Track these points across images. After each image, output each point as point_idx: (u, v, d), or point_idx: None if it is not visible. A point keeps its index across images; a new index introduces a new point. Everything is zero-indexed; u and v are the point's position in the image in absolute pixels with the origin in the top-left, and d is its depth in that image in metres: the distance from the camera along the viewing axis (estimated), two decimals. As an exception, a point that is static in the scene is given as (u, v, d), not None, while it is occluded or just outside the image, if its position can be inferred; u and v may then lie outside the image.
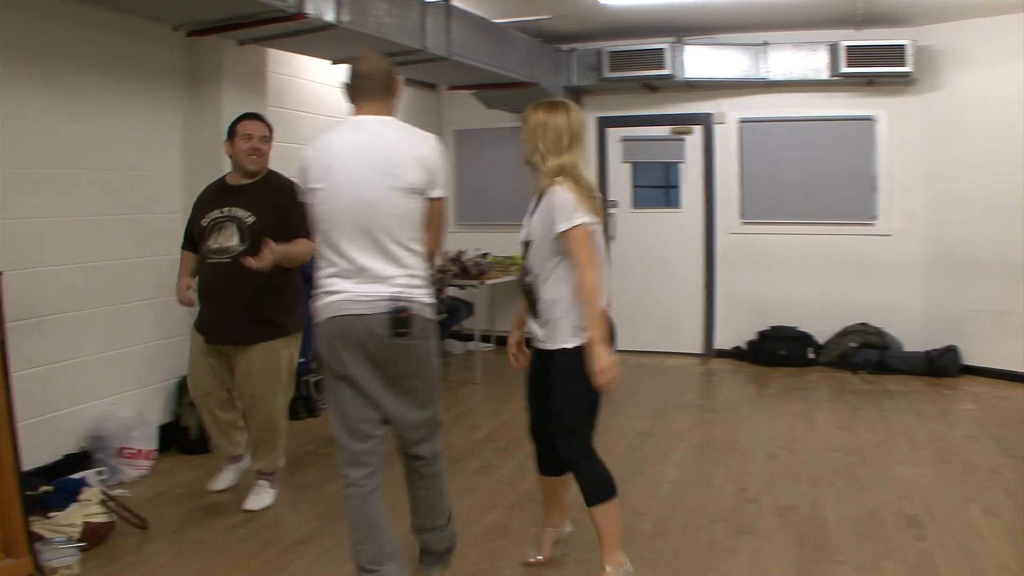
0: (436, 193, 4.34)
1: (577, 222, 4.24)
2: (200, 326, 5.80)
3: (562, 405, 4.51)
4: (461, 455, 6.98)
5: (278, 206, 5.67)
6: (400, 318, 4.10)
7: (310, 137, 8.50)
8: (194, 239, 5.82)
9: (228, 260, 5.56)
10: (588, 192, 4.37)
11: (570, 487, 4.68)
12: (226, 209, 5.65)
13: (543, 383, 4.62)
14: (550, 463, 4.80)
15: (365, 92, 4.32)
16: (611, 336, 4.48)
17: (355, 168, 4.12)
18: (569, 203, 4.27)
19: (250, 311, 5.65)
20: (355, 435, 4.39)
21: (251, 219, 5.61)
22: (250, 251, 5.45)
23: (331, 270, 4.18)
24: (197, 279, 5.77)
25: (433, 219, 4.36)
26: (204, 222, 5.68)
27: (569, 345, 4.40)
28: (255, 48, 7.29)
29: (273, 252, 5.27)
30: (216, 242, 5.62)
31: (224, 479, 6.08)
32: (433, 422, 4.61)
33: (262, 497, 5.91)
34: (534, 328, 4.59)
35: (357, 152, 4.17)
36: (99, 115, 6.34)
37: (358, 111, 4.34)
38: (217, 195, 5.80)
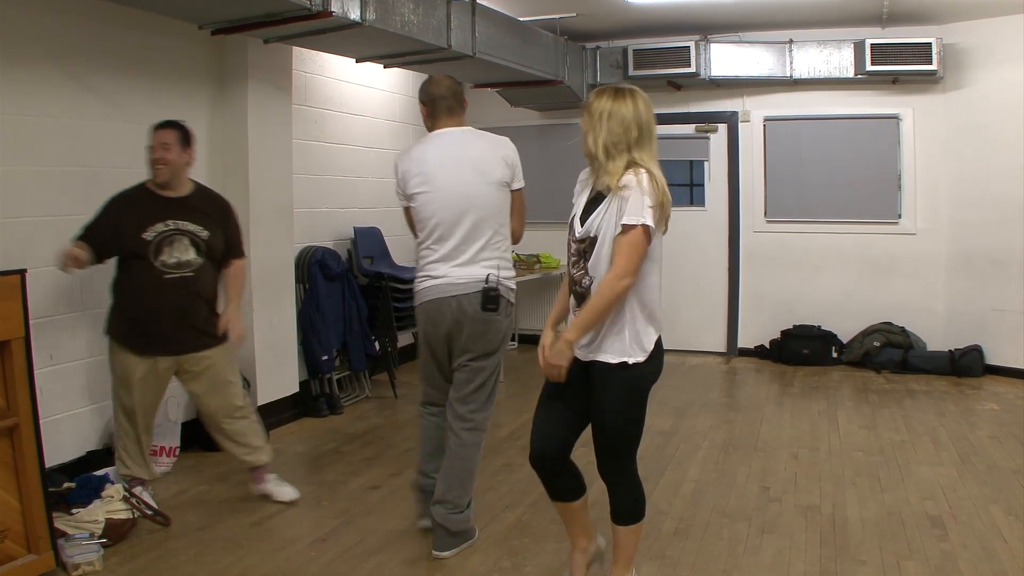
0: (517, 185, 5.24)
1: (643, 222, 3.87)
2: (139, 344, 5.51)
3: (621, 426, 4.14)
4: (483, 453, 6.92)
5: (222, 226, 5.72)
6: (490, 296, 4.94)
7: (335, 135, 8.66)
8: (107, 247, 5.47)
9: (191, 274, 5.51)
10: (664, 195, 4.00)
11: (588, 505, 4.49)
12: (171, 223, 5.46)
13: (575, 399, 4.17)
14: (568, 488, 4.35)
15: (446, 109, 5.26)
16: (658, 359, 4.27)
17: (453, 171, 5.02)
18: (645, 200, 3.90)
19: (209, 318, 5.68)
20: (430, 383, 5.30)
21: (205, 234, 5.56)
22: (206, 264, 5.61)
23: (434, 257, 5.02)
24: (143, 296, 5.47)
25: (516, 207, 5.26)
26: (148, 236, 5.41)
27: (630, 360, 4.07)
28: (280, 46, 7.32)
29: (239, 317, 5.84)
30: (172, 256, 5.46)
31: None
32: (484, 391, 5.13)
33: (285, 488, 6.00)
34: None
35: (452, 158, 5.07)
36: (124, 113, 6.36)
37: (440, 125, 5.26)
38: (152, 207, 5.50)
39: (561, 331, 4.23)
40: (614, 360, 4.06)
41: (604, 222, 4.04)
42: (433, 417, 5.32)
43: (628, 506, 4.20)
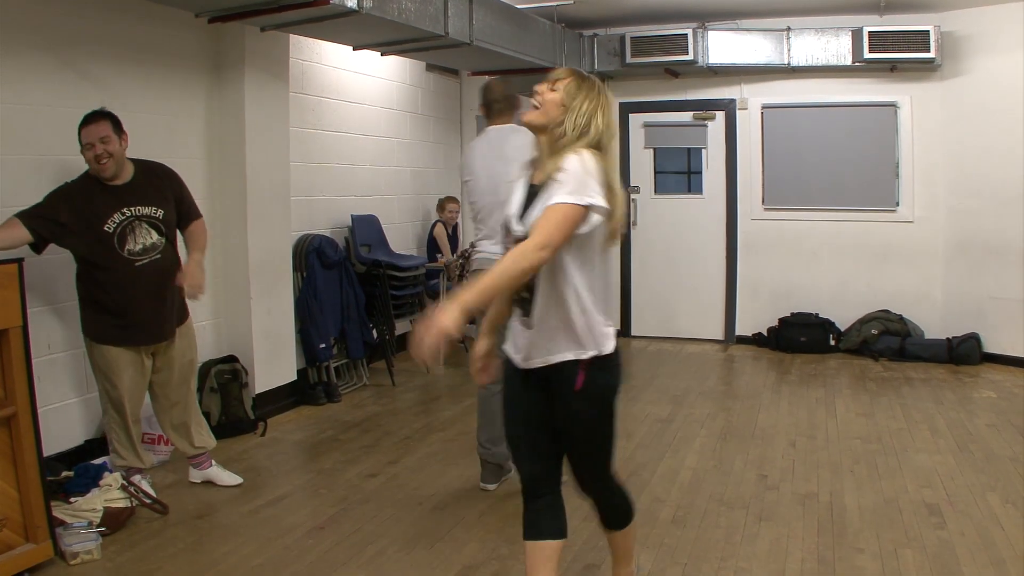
0: None
1: (588, 202, 3.28)
2: (125, 337, 5.50)
3: (599, 442, 3.89)
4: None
5: (173, 195, 5.71)
6: None
7: (332, 123, 8.66)
8: (59, 240, 5.37)
9: (159, 256, 5.52)
10: (613, 191, 3.40)
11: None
12: (127, 210, 5.43)
13: (539, 411, 3.75)
14: (557, 520, 3.94)
15: (497, 111, 5.92)
16: (618, 368, 3.70)
17: (491, 162, 5.75)
18: (589, 181, 3.30)
19: (173, 301, 5.68)
20: None
21: (160, 212, 5.54)
22: (169, 244, 5.63)
23: (480, 235, 5.96)
24: (121, 288, 5.43)
25: None
26: (108, 228, 5.37)
27: (588, 354, 3.53)
28: (277, 34, 7.31)
29: (201, 269, 5.73)
30: (138, 244, 5.45)
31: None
32: None
33: (225, 474, 6.08)
34: (518, 340, 3.70)
35: (491, 152, 5.80)
36: (121, 102, 6.33)
37: (492, 123, 5.95)
38: (105, 197, 5.41)
39: (500, 340, 3.96)
40: (572, 356, 3.52)
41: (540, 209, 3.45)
42: (492, 387, 5.53)
43: (619, 513, 4.08)
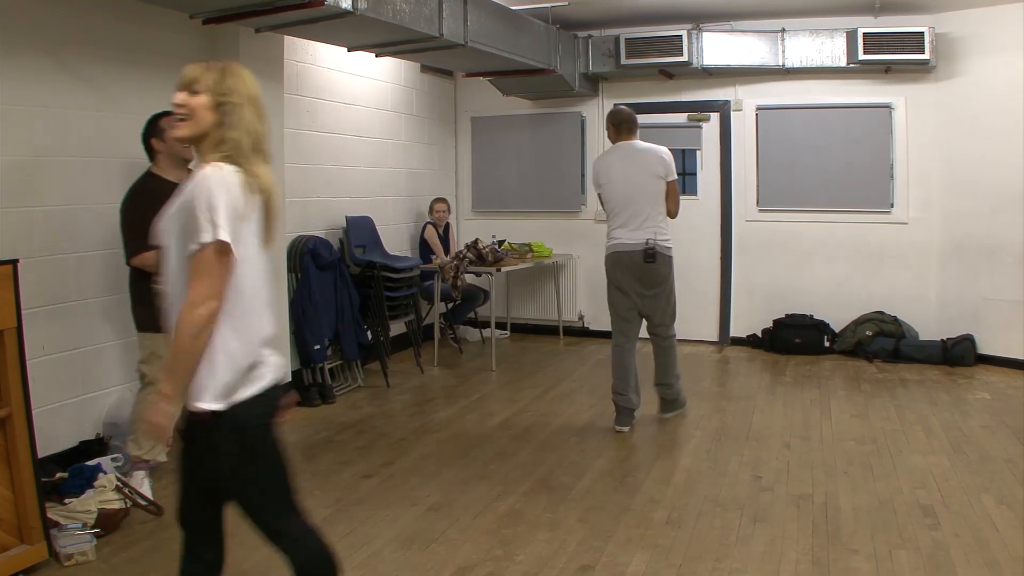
0: (671, 178, 7.35)
1: (216, 237, 2.96)
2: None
3: (252, 493, 3.40)
4: (476, 441, 6.99)
5: None
6: (649, 252, 7.20)
7: (326, 124, 8.68)
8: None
9: None
10: (251, 196, 3.12)
11: None
12: None
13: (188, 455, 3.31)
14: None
15: (626, 130, 7.50)
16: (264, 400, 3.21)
17: (623, 171, 7.36)
18: (214, 203, 2.98)
19: None
20: (621, 318, 7.44)
21: None
22: None
23: (615, 225, 7.36)
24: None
25: (671, 193, 7.36)
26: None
27: (216, 406, 3.07)
28: (272, 35, 7.30)
29: None
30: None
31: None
32: (668, 314, 7.52)
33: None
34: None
35: (623, 162, 7.39)
36: (115, 103, 6.34)
37: (620, 139, 7.50)
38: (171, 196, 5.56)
39: None
40: (204, 406, 3.05)
41: (170, 224, 3.16)
42: (624, 346, 7.43)
43: (307, 570, 3.56)
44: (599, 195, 7.56)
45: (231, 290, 3.06)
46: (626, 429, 7.30)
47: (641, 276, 7.27)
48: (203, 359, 3.02)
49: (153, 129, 5.63)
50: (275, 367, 3.26)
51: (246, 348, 3.13)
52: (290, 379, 7.97)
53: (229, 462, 3.17)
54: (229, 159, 3.11)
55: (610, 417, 7.52)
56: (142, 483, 5.64)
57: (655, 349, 7.59)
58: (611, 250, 7.38)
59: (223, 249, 2.96)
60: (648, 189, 7.27)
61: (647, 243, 7.19)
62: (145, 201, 5.30)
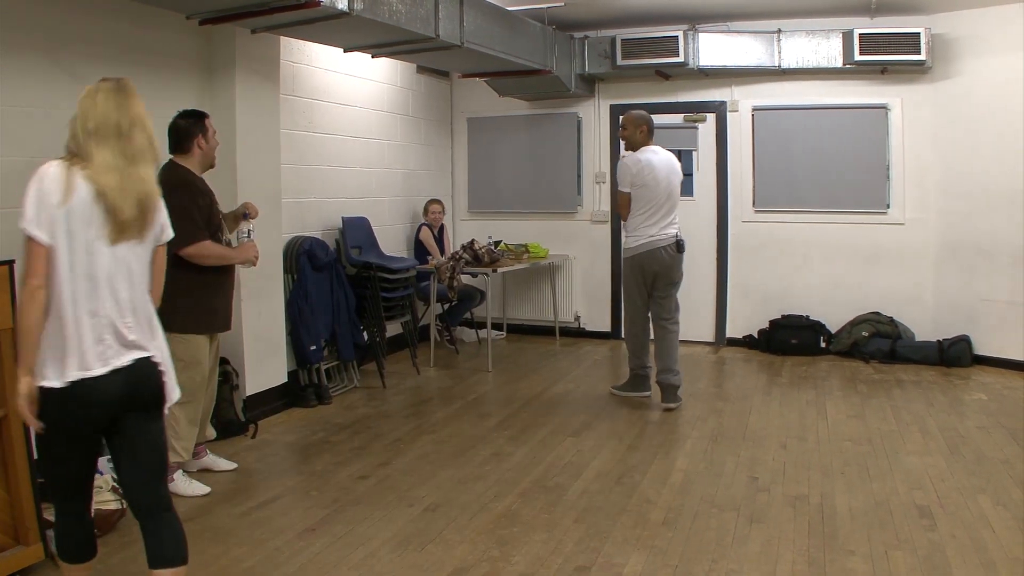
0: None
1: (27, 231, 3.36)
2: (209, 324, 5.83)
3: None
4: (472, 442, 6.98)
5: None
6: (680, 243, 7.97)
7: (323, 125, 8.69)
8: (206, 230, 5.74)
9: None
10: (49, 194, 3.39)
11: None
12: (217, 203, 5.92)
13: None
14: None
15: (652, 134, 8.07)
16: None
17: (662, 172, 7.87)
18: (27, 198, 3.40)
19: None
20: (639, 311, 8.13)
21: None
22: None
23: (648, 223, 7.84)
24: (223, 276, 5.88)
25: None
26: (219, 217, 5.88)
27: (38, 383, 3.40)
28: (268, 36, 7.30)
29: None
30: (225, 235, 5.96)
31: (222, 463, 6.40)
32: (676, 303, 8.11)
33: (221, 460, 6.39)
34: None
35: (660, 166, 7.89)
36: (112, 103, 6.34)
37: (650, 144, 8.03)
38: (208, 190, 5.88)
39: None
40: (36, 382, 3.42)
41: None
42: (645, 332, 8.21)
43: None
44: (629, 194, 7.86)
45: (50, 277, 3.38)
46: (675, 406, 7.97)
47: (672, 267, 7.94)
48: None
49: (202, 126, 5.82)
50: (87, 366, 3.40)
51: (56, 337, 3.38)
52: (286, 379, 7.98)
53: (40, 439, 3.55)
54: (70, 152, 3.48)
55: (608, 417, 7.57)
56: (190, 484, 5.90)
57: (666, 337, 8.04)
58: (644, 248, 7.87)
59: (28, 237, 3.34)
60: (677, 189, 8.01)
61: (677, 236, 7.94)
62: (192, 193, 5.67)
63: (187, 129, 5.77)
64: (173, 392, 3.65)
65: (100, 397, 3.42)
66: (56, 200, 3.33)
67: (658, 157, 7.90)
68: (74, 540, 3.70)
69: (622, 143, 8.34)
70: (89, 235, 3.39)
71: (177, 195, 5.33)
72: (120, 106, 3.58)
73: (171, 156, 5.78)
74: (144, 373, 3.52)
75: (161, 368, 3.58)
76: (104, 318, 3.42)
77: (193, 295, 5.63)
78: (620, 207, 8.03)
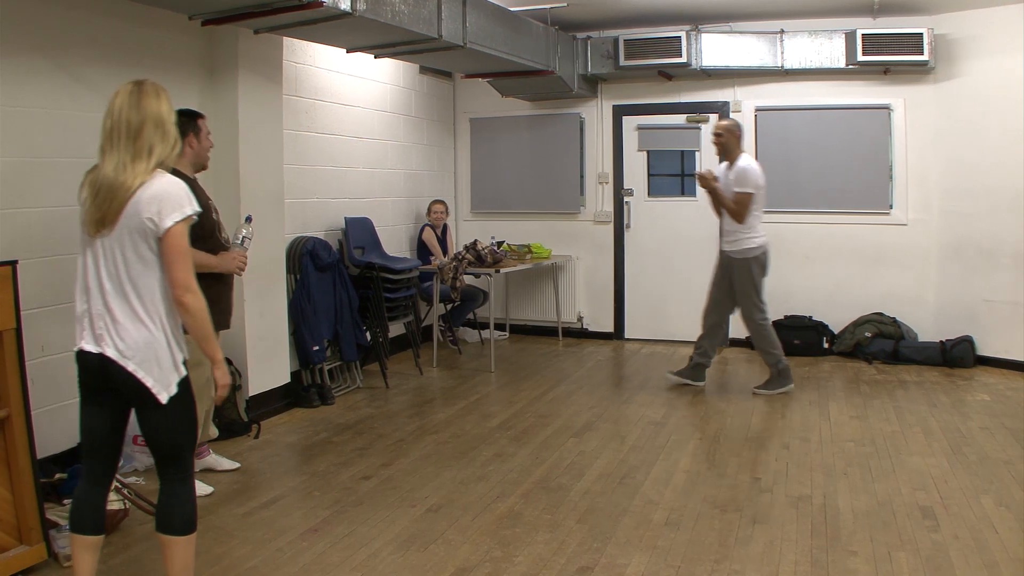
0: None
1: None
2: (219, 322, 5.74)
3: None
4: (475, 443, 6.98)
5: None
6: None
7: (326, 125, 8.70)
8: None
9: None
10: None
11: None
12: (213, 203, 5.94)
13: None
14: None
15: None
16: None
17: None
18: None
19: None
20: (763, 301, 8.57)
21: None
22: None
23: (758, 222, 8.36)
24: (220, 276, 5.85)
25: None
26: (215, 216, 5.83)
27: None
28: (271, 37, 7.31)
29: None
30: (224, 233, 5.92)
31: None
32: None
33: (224, 460, 6.51)
34: None
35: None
36: (114, 103, 6.34)
37: (743, 151, 8.44)
38: (204, 192, 5.84)
39: None
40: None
41: None
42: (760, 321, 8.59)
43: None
44: (754, 195, 8.24)
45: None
46: (791, 387, 8.61)
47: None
48: None
49: (194, 126, 5.74)
50: (83, 342, 3.82)
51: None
52: (289, 380, 7.98)
53: None
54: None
55: (610, 418, 7.58)
56: (219, 462, 6.35)
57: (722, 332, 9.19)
58: (766, 245, 8.44)
59: None
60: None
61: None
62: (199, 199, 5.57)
63: (179, 128, 5.73)
64: (160, 392, 3.72)
65: (87, 372, 3.84)
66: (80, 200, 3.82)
67: (758, 163, 8.42)
68: (85, 506, 3.88)
69: (715, 149, 8.58)
70: (83, 232, 3.81)
71: None
72: (134, 105, 3.70)
73: None
74: (109, 368, 3.72)
75: (120, 365, 3.69)
76: (85, 304, 3.80)
77: (217, 294, 5.67)
78: (742, 208, 8.27)
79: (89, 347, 3.74)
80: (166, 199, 3.65)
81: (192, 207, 3.71)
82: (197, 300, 3.74)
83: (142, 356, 3.68)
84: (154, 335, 3.70)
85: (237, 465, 6.42)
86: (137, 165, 3.65)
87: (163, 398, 3.71)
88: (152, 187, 3.65)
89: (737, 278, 8.50)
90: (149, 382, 3.68)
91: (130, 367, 3.66)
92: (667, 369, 9.21)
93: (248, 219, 6.02)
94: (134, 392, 3.71)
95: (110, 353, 3.68)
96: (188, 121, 5.67)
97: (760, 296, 8.47)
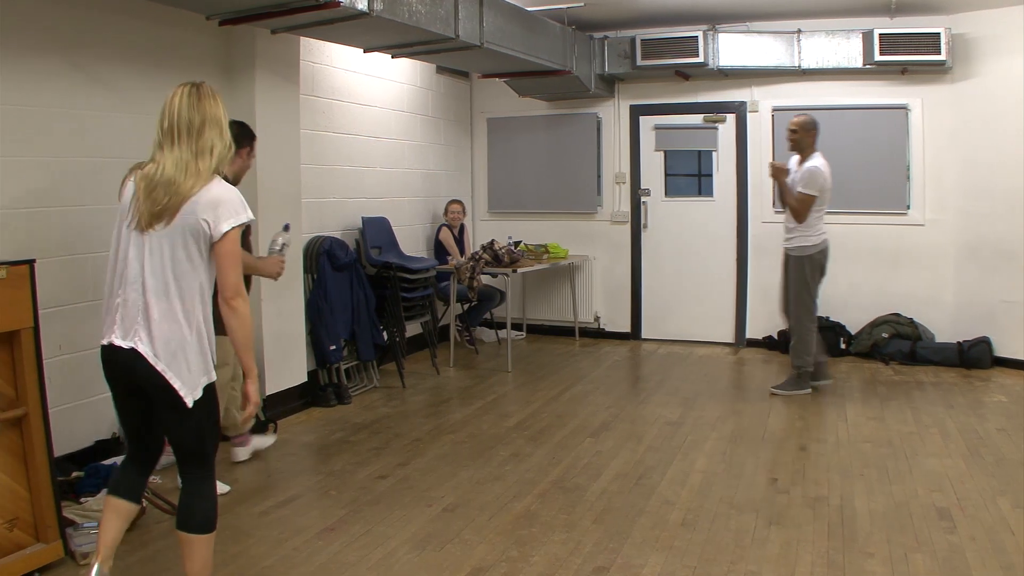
0: None
1: None
2: None
3: None
4: (491, 442, 6.99)
5: None
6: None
7: (343, 125, 8.71)
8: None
9: None
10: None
11: None
12: None
13: None
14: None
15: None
16: None
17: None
18: None
19: None
20: (812, 297, 8.50)
21: None
22: None
23: (821, 223, 8.39)
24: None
25: None
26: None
27: None
28: (288, 37, 7.32)
29: None
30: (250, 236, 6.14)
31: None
32: None
33: (266, 437, 6.91)
34: None
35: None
36: (131, 104, 6.35)
37: (816, 151, 8.35)
38: None
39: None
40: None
41: None
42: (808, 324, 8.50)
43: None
44: (816, 197, 8.20)
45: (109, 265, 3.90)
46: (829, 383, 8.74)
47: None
48: None
49: (249, 142, 5.97)
50: (112, 336, 3.79)
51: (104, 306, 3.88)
52: (306, 379, 8.00)
53: None
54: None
55: (627, 418, 7.60)
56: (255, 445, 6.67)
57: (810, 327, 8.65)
58: (823, 244, 8.41)
59: None
60: None
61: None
62: None
63: (235, 137, 5.83)
64: (187, 396, 3.74)
65: (114, 367, 3.83)
66: (120, 194, 3.92)
67: (827, 163, 8.31)
68: (124, 476, 4.11)
69: (789, 144, 8.54)
70: (121, 225, 3.84)
71: None
72: (193, 105, 3.82)
73: None
74: (137, 364, 3.72)
75: (150, 363, 3.70)
76: (121, 297, 3.77)
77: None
78: (803, 208, 8.25)
79: (119, 342, 3.73)
80: (224, 204, 3.73)
81: (247, 214, 3.80)
82: (246, 305, 3.83)
83: (172, 356, 3.70)
84: (187, 337, 3.73)
85: (272, 440, 6.89)
86: (200, 163, 3.76)
87: (188, 401, 3.72)
88: (212, 191, 3.73)
89: (792, 276, 8.49)
90: (177, 384, 3.69)
91: (159, 367, 3.68)
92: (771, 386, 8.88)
93: (286, 227, 6.05)
94: (159, 391, 3.72)
95: (142, 349, 3.69)
96: (245, 136, 5.89)
97: (812, 297, 8.43)
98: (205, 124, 3.79)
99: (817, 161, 8.24)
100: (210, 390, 3.83)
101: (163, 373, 3.67)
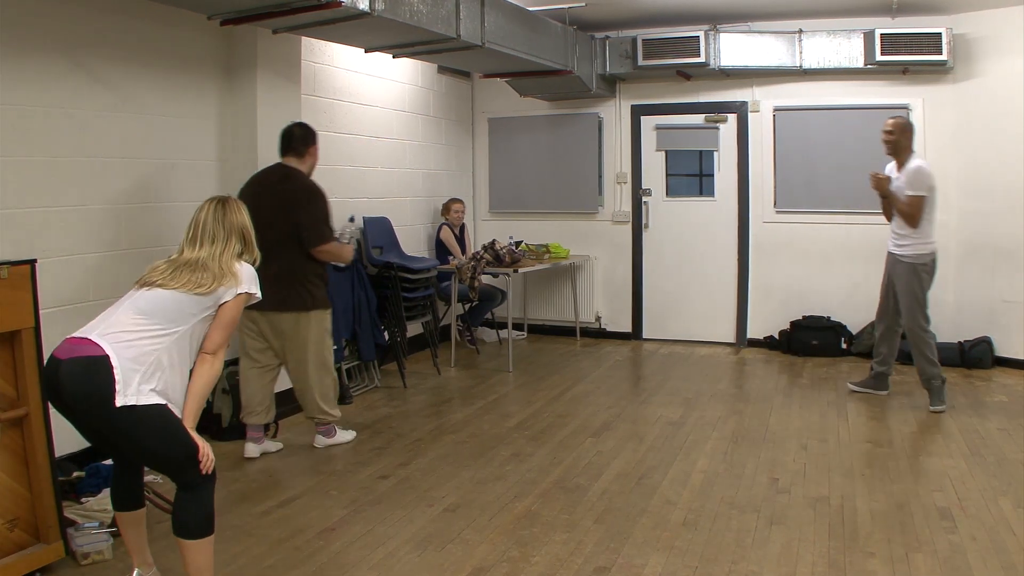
0: None
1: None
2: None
3: None
4: (493, 442, 6.99)
5: None
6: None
7: (344, 125, 8.71)
8: None
9: None
10: None
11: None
12: None
13: None
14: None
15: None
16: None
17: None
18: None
19: None
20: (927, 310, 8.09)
21: None
22: None
23: (932, 229, 7.94)
24: (322, 264, 6.86)
25: None
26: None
27: None
28: (289, 36, 7.33)
29: None
30: None
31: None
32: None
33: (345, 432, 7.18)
34: None
35: None
36: (132, 104, 6.36)
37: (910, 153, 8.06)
38: None
39: None
40: None
41: None
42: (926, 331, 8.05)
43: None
44: (927, 198, 7.84)
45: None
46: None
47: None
48: None
49: (315, 135, 6.82)
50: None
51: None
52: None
53: None
54: None
55: (628, 418, 7.64)
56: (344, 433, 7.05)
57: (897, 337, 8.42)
58: (936, 253, 8.00)
59: None
60: None
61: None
62: (326, 199, 6.73)
63: (303, 136, 6.65)
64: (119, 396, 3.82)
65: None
66: None
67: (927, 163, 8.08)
68: (119, 486, 4.26)
69: (885, 146, 8.23)
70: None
71: (321, 201, 6.65)
72: (218, 220, 4.30)
73: (281, 159, 6.58)
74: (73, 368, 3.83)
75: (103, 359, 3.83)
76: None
77: (323, 279, 6.82)
78: (915, 211, 7.84)
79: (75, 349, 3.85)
80: (239, 276, 4.18)
81: (255, 288, 4.27)
82: (220, 363, 4.17)
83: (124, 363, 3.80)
84: (146, 355, 3.89)
85: (280, 446, 6.95)
86: (222, 260, 4.21)
87: (119, 401, 3.72)
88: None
89: (903, 284, 8.05)
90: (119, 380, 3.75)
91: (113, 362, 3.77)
92: (848, 381, 8.89)
93: (351, 219, 6.40)
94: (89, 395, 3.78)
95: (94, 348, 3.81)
96: (311, 134, 6.78)
97: (925, 305, 8.01)
98: (231, 235, 4.28)
99: (919, 162, 7.97)
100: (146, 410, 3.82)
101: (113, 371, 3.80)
